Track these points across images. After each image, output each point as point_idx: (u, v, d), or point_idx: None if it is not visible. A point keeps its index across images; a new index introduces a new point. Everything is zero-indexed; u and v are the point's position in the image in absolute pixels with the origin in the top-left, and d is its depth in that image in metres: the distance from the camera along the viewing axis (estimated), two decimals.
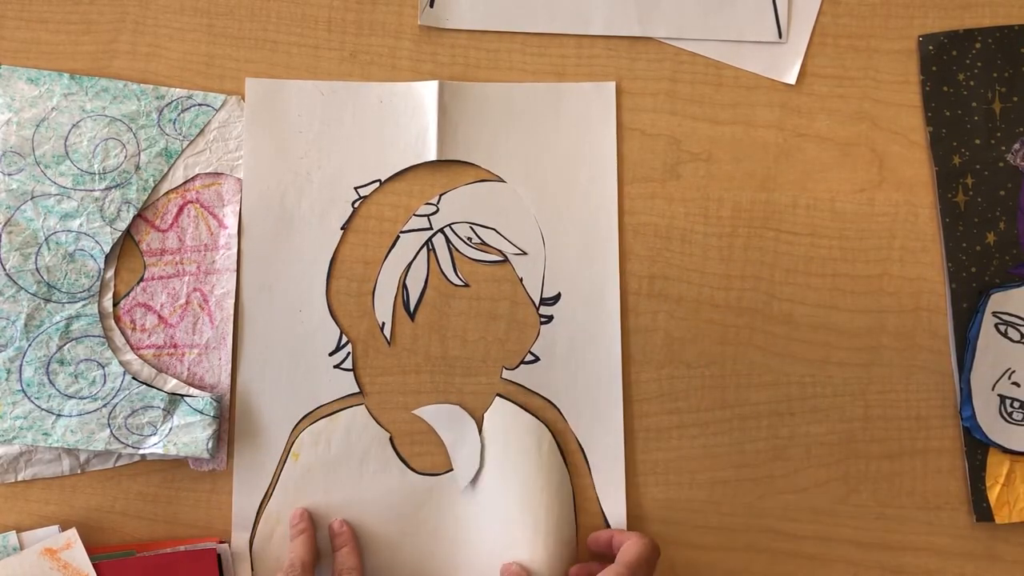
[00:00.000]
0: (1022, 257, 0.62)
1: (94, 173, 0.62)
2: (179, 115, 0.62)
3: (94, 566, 0.58)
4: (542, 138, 0.63)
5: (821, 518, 0.61)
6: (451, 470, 0.61)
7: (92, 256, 0.61)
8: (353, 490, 0.61)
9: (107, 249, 0.61)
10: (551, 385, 0.62)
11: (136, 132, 0.62)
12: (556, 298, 0.62)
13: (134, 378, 0.60)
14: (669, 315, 0.62)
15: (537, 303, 0.62)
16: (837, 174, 0.63)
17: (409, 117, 0.63)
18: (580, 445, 0.61)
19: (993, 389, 0.61)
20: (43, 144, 0.62)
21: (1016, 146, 0.63)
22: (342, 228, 0.63)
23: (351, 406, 0.62)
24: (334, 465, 0.61)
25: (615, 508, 0.61)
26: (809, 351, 0.62)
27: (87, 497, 0.61)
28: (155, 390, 0.60)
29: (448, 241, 0.63)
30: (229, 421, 0.61)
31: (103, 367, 0.60)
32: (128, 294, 0.62)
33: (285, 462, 0.61)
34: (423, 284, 0.63)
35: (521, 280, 0.63)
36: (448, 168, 0.63)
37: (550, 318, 0.62)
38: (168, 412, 0.60)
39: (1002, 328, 0.61)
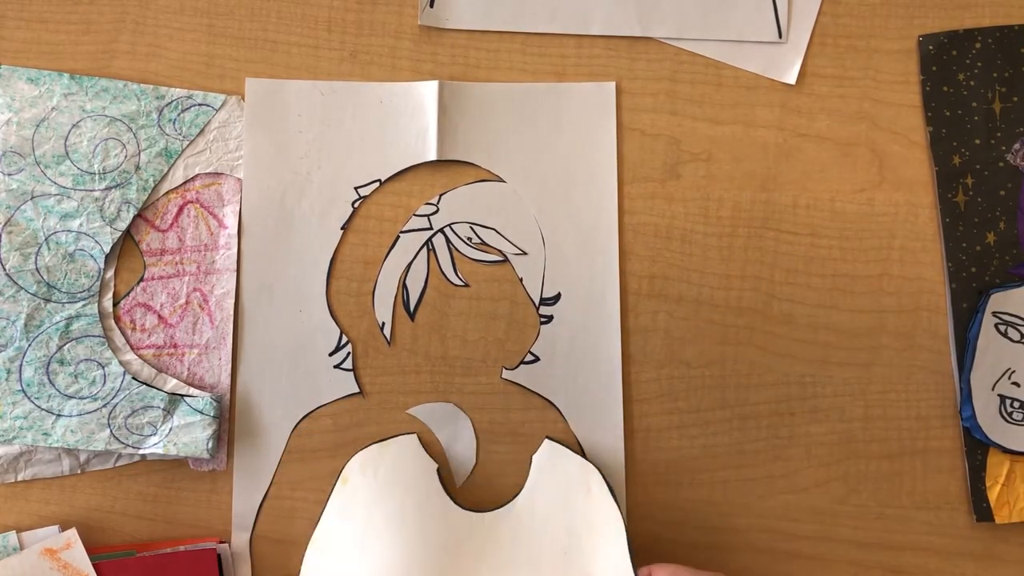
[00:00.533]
0: (1022, 257, 0.62)
1: (94, 173, 0.62)
2: (179, 115, 0.62)
3: (94, 566, 0.58)
4: (542, 138, 0.63)
5: (821, 518, 0.61)
6: (500, 507, 0.60)
7: (92, 256, 0.61)
8: (398, 520, 0.58)
9: (107, 249, 0.61)
10: (551, 385, 0.62)
11: (136, 132, 0.62)
12: (556, 298, 0.62)
13: (134, 378, 0.60)
14: (669, 315, 0.62)
15: (537, 303, 0.62)
16: (837, 174, 0.63)
17: (409, 117, 0.63)
18: (580, 445, 0.61)
19: (993, 389, 0.61)
20: (43, 144, 0.62)
21: (1016, 146, 0.63)
22: (342, 228, 0.63)
23: (402, 433, 0.61)
24: (381, 493, 0.59)
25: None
26: (809, 351, 0.62)
27: (87, 497, 0.61)
28: (155, 390, 0.60)
29: (448, 241, 0.63)
30: (229, 421, 0.61)
31: (103, 367, 0.60)
32: (128, 294, 0.62)
33: (280, 462, 0.61)
34: (423, 284, 0.63)
35: (521, 280, 0.63)
36: (448, 168, 0.63)
37: (550, 318, 0.62)
38: (168, 412, 0.60)
39: (1002, 328, 0.61)
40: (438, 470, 0.60)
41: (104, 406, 0.60)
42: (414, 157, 0.63)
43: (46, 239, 0.61)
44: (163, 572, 0.58)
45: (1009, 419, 0.61)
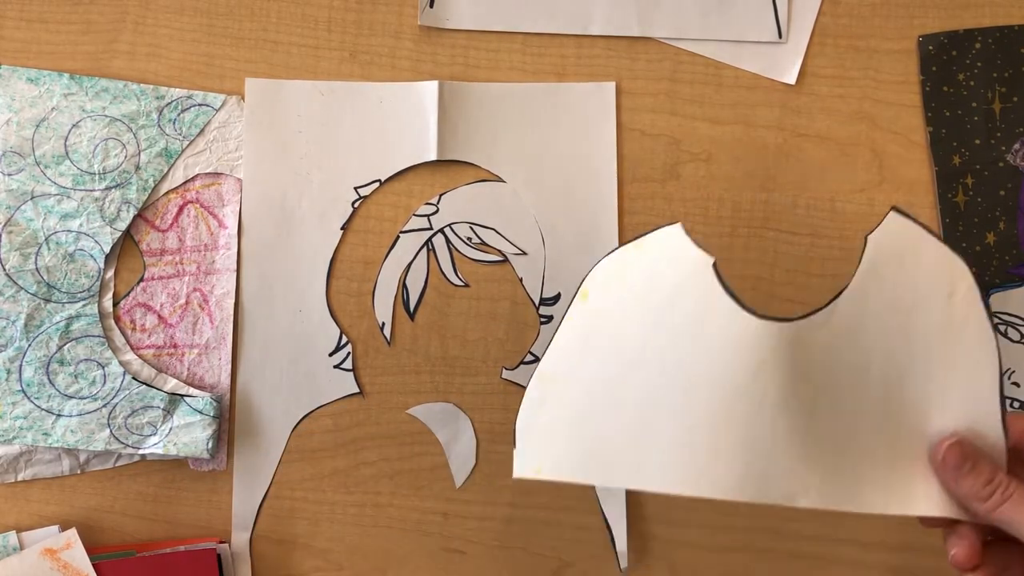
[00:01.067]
0: (1022, 257, 0.62)
1: (94, 173, 0.62)
2: (179, 115, 0.62)
3: (94, 566, 0.58)
4: (542, 138, 0.63)
5: (822, 518, 0.61)
6: (811, 313, 0.43)
7: (92, 256, 0.61)
8: (658, 341, 0.44)
9: (107, 249, 0.61)
10: None
11: (136, 132, 0.62)
12: (556, 298, 0.62)
13: (134, 378, 0.60)
14: None
15: (537, 303, 0.62)
16: (837, 174, 0.63)
17: (409, 117, 0.63)
18: None
19: None
20: (43, 144, 0.62)
21: (1016, 146, 0.63)
22: (342, 228, 0.63)
23: (664, 225, 0.47)
24: (634, 306, 0.45)
25: (615, 508, 0.61)
26: None
27: (87, 497, 0.61)
28: (155, 390, 0.60)
29: (448, 241, 0.63)
30: (229, 421, 0.61)
31: (103, 367, 0.60)
32: (128, 294, 0.62)
33: (280, 463, 0.61)
34: (423, 284, 0.63)
35: (521, 280, 0.63)
36: (448, 168, 0.63)
37: (550, 318, 0.62)
38: (168, 412, 0.60)
39: (1002, 328, 0.61)
40: (714, 264, 0.45)
41: (104, 406, 0.60)
42: (414, 157, 0.63)
43: (46, 239, 0.61)
44: (163, 572, 0.58)
45: None
